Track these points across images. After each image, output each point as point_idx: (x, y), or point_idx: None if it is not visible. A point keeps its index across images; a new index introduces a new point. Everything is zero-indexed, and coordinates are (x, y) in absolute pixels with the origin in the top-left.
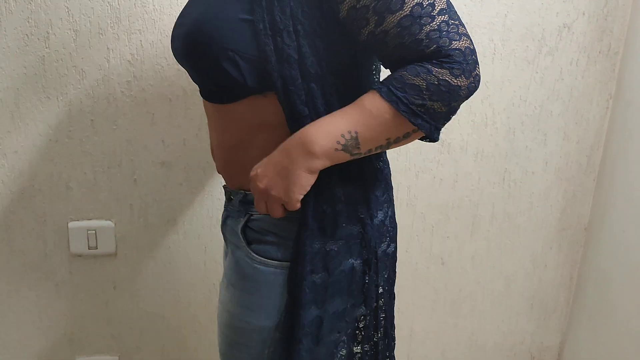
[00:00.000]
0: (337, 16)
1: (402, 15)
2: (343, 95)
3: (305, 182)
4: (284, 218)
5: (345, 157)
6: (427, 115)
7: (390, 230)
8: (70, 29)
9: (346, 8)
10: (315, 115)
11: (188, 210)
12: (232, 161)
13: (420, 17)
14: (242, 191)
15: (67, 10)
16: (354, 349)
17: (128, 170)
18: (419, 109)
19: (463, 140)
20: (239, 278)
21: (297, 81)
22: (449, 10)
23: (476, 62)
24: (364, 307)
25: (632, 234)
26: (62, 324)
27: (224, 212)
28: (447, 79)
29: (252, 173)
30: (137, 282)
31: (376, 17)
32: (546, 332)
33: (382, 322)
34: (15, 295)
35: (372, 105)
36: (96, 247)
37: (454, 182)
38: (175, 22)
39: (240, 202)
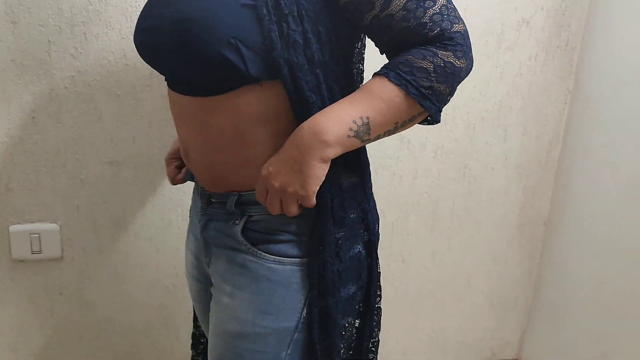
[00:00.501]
0: (338, 2)
1: None
2: (341, 81)
3: (319, 172)
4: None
5: (356, 144)
6: (434, 97)
7: (377, 212)
8: (7, 20)
9: None
10: (321, 102)
11: (138, 211)
12: (221, 163)
13: (424, 0)
14: (236, 192)
15: (4, 0)
16: (355, 323)
17: (74, 169)
18: (427, 91)
19: (422, 137)
20: (249, 281)
21: (304, 67)
22: None
23: (471, 45)
24: (366, 287)
25: (590, 228)
26: (5, 334)
27: (201, 216)
28: (451, 61)
29: (264, 172)
30: (86, 288)
31: (382, 1)
32: (506, 328)
33: (378, 298)
34: None
35: (381, 90)
36: (40, 252)
37: (414, 179)
38: (146, 12)
39: (235, 205)
